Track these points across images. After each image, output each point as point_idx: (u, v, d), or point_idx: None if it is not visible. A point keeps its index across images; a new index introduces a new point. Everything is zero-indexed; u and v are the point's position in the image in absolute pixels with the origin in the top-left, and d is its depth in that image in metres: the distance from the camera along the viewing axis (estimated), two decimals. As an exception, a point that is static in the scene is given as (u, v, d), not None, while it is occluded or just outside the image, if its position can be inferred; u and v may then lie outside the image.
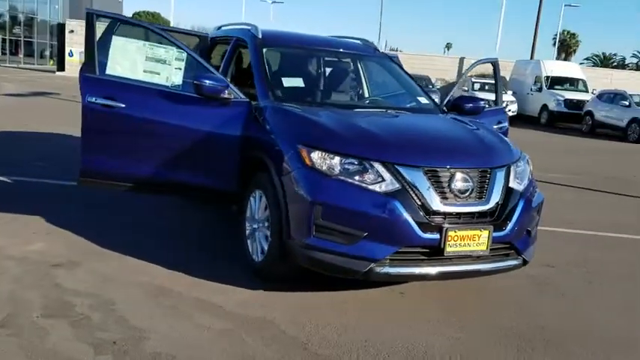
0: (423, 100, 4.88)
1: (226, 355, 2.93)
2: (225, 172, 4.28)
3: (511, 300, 3.97)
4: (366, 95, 5.21)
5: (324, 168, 3.40)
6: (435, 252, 3.38)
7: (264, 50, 4.68)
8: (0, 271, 3.71)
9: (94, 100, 4.19)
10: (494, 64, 5.67)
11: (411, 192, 3.33)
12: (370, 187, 3.33)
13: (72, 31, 34.73)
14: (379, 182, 3.34)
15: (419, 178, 3.37)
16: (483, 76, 23.89)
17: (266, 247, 3.79)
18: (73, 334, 3.00)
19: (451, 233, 3.34)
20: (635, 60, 62.23)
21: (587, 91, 23.16)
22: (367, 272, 3.32)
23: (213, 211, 5.51)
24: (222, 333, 3.15)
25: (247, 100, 4.27)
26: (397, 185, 3.33)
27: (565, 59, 55.39)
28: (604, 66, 56.89)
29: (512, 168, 3.71)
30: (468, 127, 4.16)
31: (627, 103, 18.95)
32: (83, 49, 4.47)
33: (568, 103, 21.26)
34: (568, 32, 64.86)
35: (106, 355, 2.84)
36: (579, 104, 21.18)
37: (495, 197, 3.55)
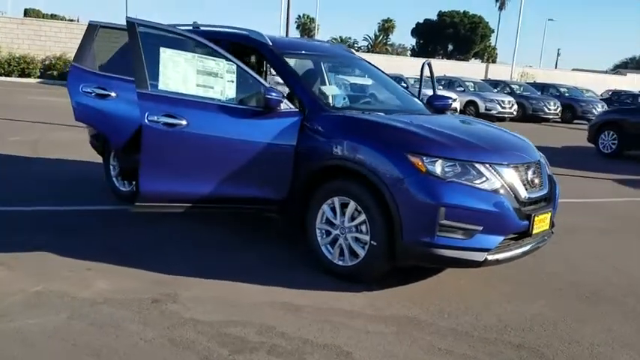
0: (417, 100, 5.44)
1: (437, 355, 3.22)
2: (280, 182, 4.33)
3: (532, 266, 4.79)
4: (380, 98, 5.53)
5: (439, 173, 3.78)
6: (522, 235, 4.04)
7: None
8: (109, 320, 3.31)
9: (155, 118, 3.89)
10: (429, 64, 6.46)
11: (508, 187, 3.92)
12: (480, 186, 3.82)
13: None
14: (486, 181, 3.85)
15: (510, 174, 3.96)
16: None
17: (361, 251, 4.02)
18: (290, 363, 2.98)
19: (536, 218, 4.02)
20: (365, 43, 69.70)
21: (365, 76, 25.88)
22: (483, 261, 3.83)
23: (224, 219, 5.35)
24: (400, 335, 3.39)
25: (297, 109, 4.36)
26: (499, 182, 3.88)
27: (307, 42, 59.66)
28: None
29: (543, 158, 4.53)
30: (499, 128, 4.86)
31: (405, 85, 21.75)
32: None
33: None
34: (307, 16, 69.87)
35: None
36: (363, 88, 23.60)
37: (547, 184, 4.33)
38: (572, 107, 24.95)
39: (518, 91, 24.70)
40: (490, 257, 3.84)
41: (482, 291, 4.21)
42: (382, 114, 4.57)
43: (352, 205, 4.05)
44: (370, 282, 4.07)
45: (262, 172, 4.30)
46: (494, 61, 68.45)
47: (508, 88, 25.00)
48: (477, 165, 3.86)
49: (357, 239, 4.07)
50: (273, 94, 4.14)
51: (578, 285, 4.45)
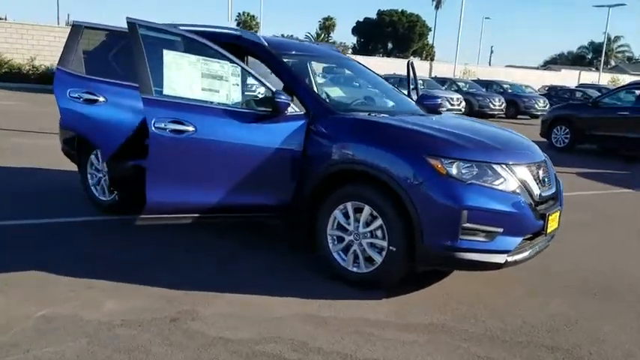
0: (411, 100, 5.37)
1: (475, 360, 3.16)
2: (287, 188, 4.20)
3: (534, 263, 4.78)
4: (376, 99, 5.41)
5: (459, 175, 3.72)
6: (535, 235, 4.04)
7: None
8: (133, 344, 3.08)
9: (163, 125, 3.67)
10: (412, 64, 6.42)
11: (524, 187, 3.90)
12: (499, 187, 3.79)
13: None
14: (504, 182, 3.81)
15: (526, 175, 3.95)
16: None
17: (378, 257, 3.92)
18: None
19: (549, 217, 4.03)
20: (307, 41, 69.60)
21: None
22: (504, 263, 3.80)
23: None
24: (435, 344, 3.32)
25: (303, 112, 4.22)
26: (517, 183, 3.86)
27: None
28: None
29: (547, 157, 4.55)
30: (503, 128, 4.85)
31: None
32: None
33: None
34: (248, 14, 69.22)
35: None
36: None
37: (554, 182, 4.35)
38: (516, 103, 25.68)
39: (464, 89, 25.23)
40: (510, 259, 3.82)
41: (494, 293, 4.18)
42: (387, 115, 4.48)
43: (367, 210, 3.94)
44: (386, 288, 3.98)
45: (270, 178, 4.14)
46: (432, 59, 69.77)
47: (455, 86, 25.50)
48: (494, 166, 3.83)
49: (372, 245, 3.96)
50: (282, 97, 3.99)
51: (584, 282, 4.50)
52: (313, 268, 4.28)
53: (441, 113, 5.28)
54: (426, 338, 3.38)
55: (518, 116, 25.30)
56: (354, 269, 4.05)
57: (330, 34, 74.86)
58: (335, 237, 4.13)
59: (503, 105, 24.53)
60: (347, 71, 5.61)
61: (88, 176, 5.54)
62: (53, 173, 7.02)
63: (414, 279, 4.13)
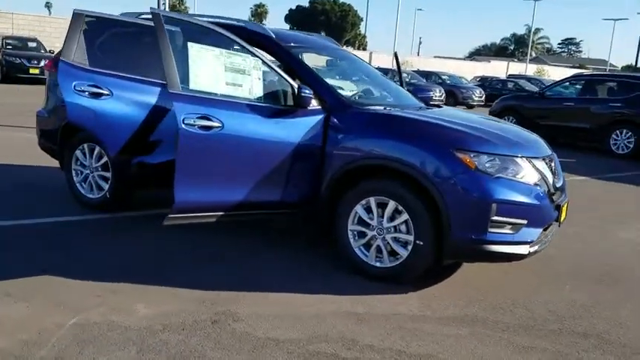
0: (410, 94, 5.40)
1: (524, 353, 3.24)
2: (308, 183, 4.16)
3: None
4: (380, 93, 5.36)
5: (486, 169, 3.78)
6: (549, 225, 4.17)
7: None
8: (186, 349, 2.96)
9: (192, 122, 3.54)
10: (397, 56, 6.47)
11: (543, 180, 4.02)
12: (523, 180, 3.88)
13: None
14: (527, 175, 3.91)
15: (544, 167, 4.07)
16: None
17: (403, 252, 3.93)
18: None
19: (562, 208, 4.18)
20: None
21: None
22: (527, 254, 3.90)
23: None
24: (477, 336, 3.37)
25: (320, 106, 4.18)
26: (537, 176, 3.97)
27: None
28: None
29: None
30: (509, 123, 4.96)
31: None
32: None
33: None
34: (176, -2, 67.59)
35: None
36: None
37: (562, 175, 4.51)
38: (454, 94, 26.41)
39: (406, 79, 25.63)
40: (531, 249, 3.93)
41: (508, 283, 4.28)
42: (400, 109, 4.50)
43: (392, 204, 3.93)
44: (410, 282, 4.01)
45: (293, 174, 4.09)
46: (364, 49, 70.33)
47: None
48: (517, 159, 3.91)
49: (396, 239, 3.97)
50: (307, 91, 3.95)
51: (584, 269, 4.69)
52: (331, 264, 4.26)
53: (440, 106, 5.33)
54: (466, 331, 3.43)
55: (457, 106, 25.96)
56: (377, 264, 4.05)
57: (263, 21, 74.15)
58: (356, 232, 4.11)
59: (443, 95, 25.14)
60: (347, 64, 5.57)
61: (73, 173, 5.26)
62: (33, 169, 6.64)
63: (430, 272, 4.16)
